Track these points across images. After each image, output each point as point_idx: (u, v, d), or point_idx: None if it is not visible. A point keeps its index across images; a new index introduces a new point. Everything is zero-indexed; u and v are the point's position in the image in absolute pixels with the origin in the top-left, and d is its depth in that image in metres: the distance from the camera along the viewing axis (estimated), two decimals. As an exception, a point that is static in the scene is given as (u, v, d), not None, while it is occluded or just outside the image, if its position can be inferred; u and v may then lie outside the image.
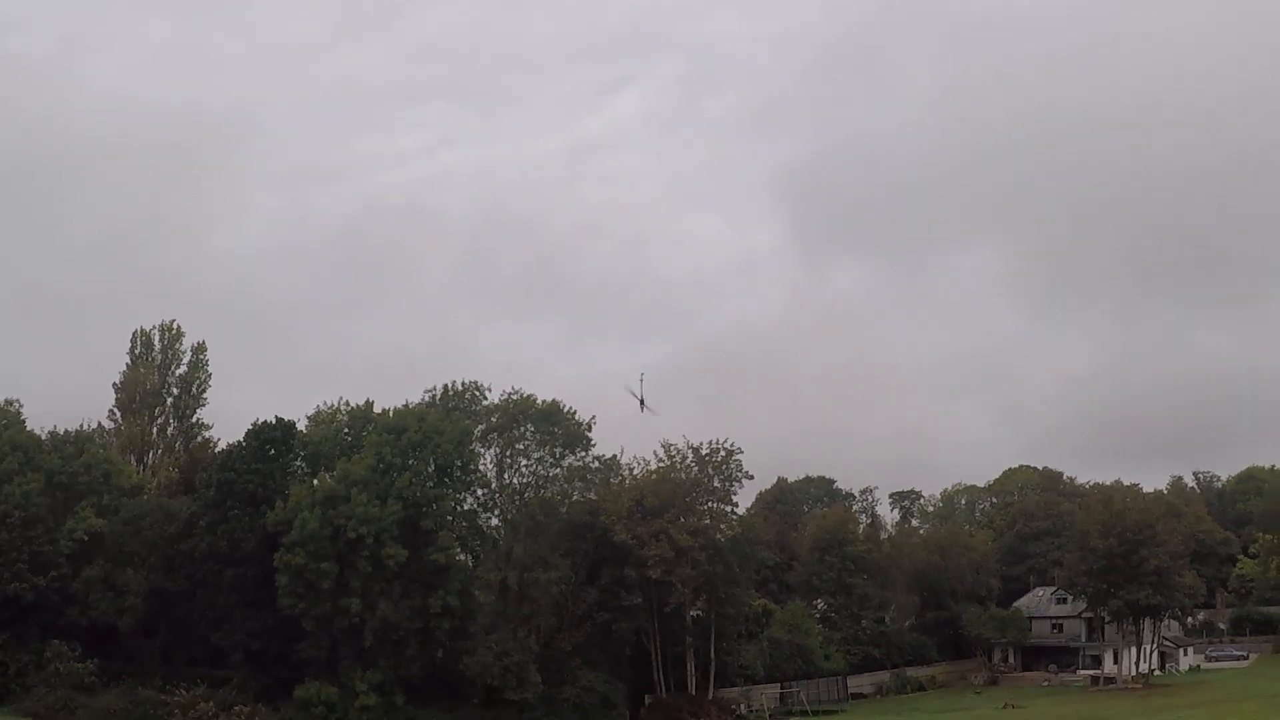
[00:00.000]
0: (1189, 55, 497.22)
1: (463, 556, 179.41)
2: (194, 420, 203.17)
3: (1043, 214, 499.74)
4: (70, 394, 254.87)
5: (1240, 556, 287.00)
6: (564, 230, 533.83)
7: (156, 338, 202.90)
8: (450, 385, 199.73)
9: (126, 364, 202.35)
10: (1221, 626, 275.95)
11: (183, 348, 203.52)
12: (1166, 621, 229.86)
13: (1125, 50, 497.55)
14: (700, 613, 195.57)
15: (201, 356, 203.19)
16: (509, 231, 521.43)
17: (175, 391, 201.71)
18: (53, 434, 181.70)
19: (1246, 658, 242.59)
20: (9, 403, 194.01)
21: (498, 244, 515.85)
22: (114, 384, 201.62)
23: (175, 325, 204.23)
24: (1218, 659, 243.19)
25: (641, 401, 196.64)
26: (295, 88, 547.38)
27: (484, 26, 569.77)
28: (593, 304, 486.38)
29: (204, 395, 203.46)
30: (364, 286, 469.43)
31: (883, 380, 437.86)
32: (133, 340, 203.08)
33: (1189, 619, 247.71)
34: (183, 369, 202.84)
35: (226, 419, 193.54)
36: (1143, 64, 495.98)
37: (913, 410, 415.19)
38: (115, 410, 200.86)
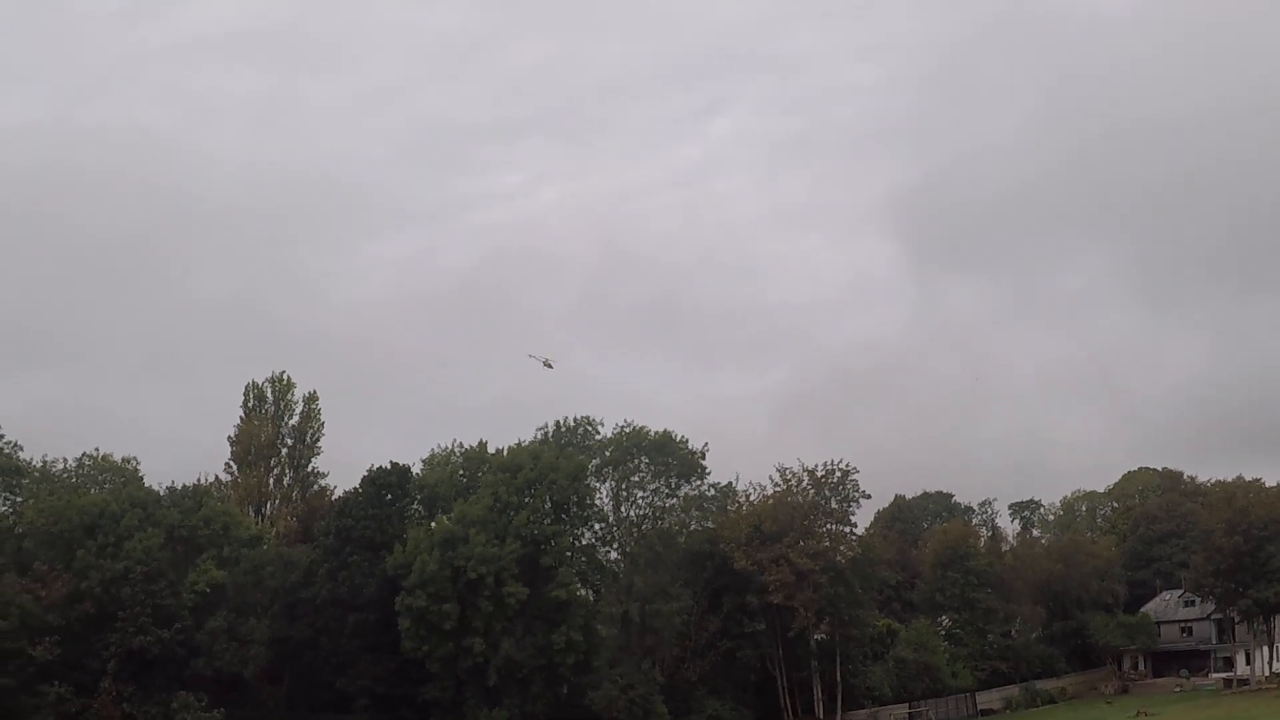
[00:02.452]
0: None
1: (583, 591, 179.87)
2: (309, 469, 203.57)
3: (1147, 213, 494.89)
4: (195, 450, 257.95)
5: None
6: (674, 261, 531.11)
7: (269, 390, 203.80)
8: (562, 421, 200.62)
9: (240, 417, 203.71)
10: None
11: (294, 398, 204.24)
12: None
13: (1221, 41, 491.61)
14: (824, 636, 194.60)
15: (313, 406, 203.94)
16: (618, 266, 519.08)
17: (289, 442, 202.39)
18: (171, 489, 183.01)
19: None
20: (126, 460, 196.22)
21: (607, 279, 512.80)
22: (229, 437, 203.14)
23: (285, 376, 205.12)
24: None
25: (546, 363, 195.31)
26: (390, 133, 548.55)
27: (569, 58, 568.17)
28: (707, 332, 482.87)
29: (318, 444, 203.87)
30: (479, 329, 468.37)
31: (999, 391, 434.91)
32: (245, 393, 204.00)
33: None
34: (295, 419, 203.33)
35: (347, 468, 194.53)
36: (1238, 53, 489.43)
37: (1029, 420, 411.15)
38: (231, 463, 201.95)
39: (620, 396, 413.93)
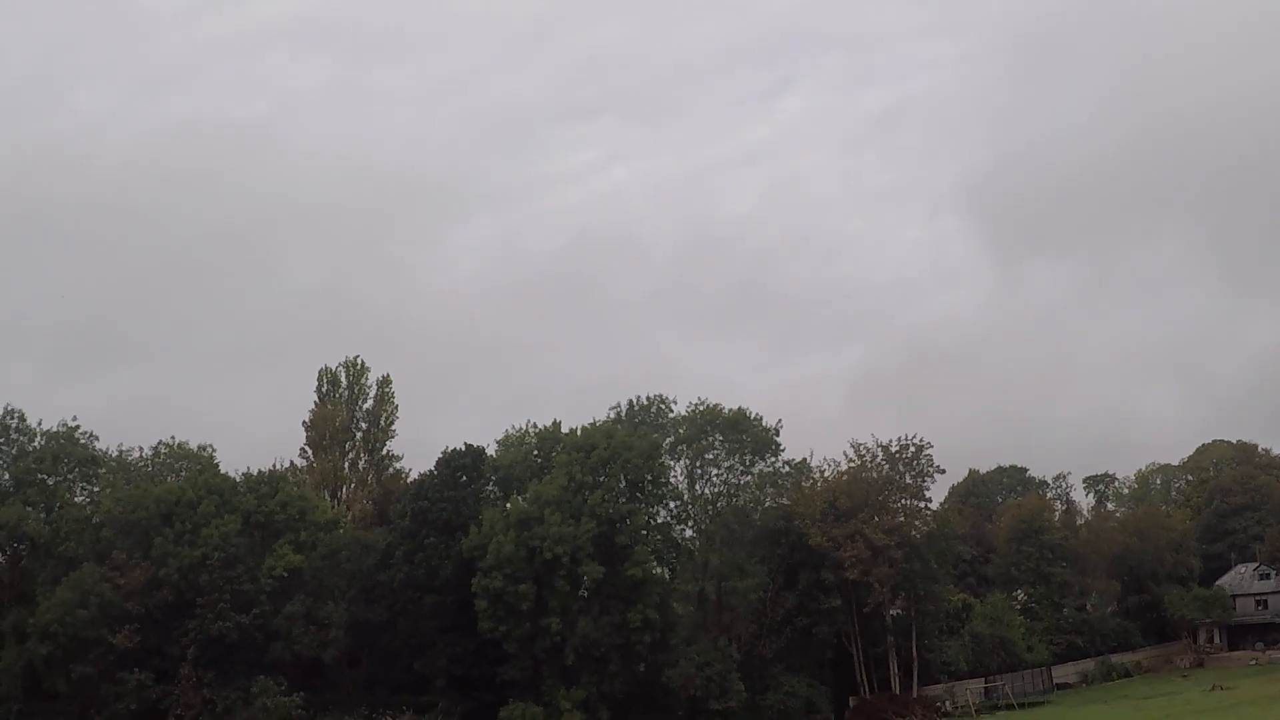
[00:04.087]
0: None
1: (659, 570, 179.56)
2: (384, 453, 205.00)
3: (1224, 190, 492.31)
4: (283, 438, 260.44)
5: None
6: (754, 242, 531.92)
7: (343, 375, 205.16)
8: (635, 400, 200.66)
9: (315, 402, 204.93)
10: None
11: (368, 382, 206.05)
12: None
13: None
14: (900, 611, 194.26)
15: (387, 390, 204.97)
16: (700, 248, 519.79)
17: (364, 426, 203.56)
18: (247, 475, 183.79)
19: None
20: (202, 448, 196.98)
21: (690, 261, 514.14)
22: (304, 422, 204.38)
23: (360, 361, 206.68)
24: None
25: None
26: (466, 120, 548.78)
27: (643, 39, 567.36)
28: (788, 312, 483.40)
29: (392, 427, 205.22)
30: (564, 313, 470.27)
31: (1076, 367, 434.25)
32: (319, 378, 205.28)
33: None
34: (369, 403, 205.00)
35: (431, 452, 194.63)
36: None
37: (1107, 396, 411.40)
38: (306, 448, 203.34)
39: (703, 378, 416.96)
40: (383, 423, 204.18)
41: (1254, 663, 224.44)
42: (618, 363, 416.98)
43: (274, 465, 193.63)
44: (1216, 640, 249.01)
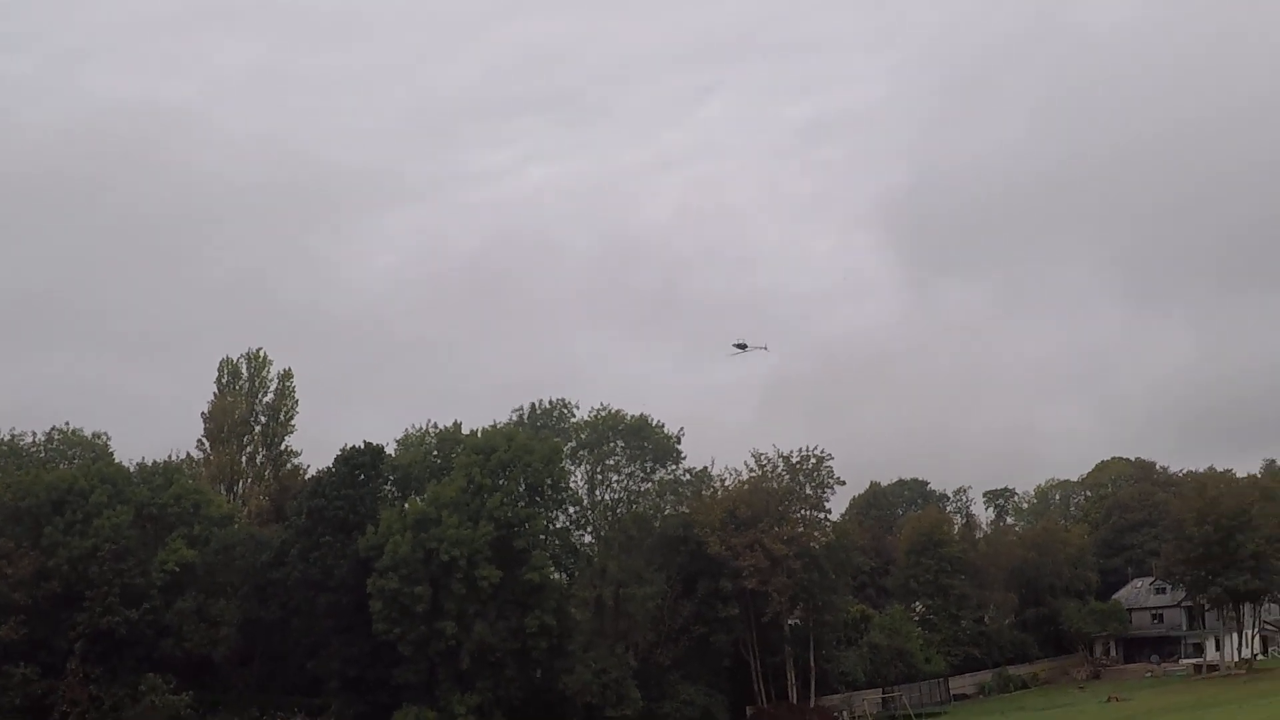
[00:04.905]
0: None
1: (557, 575, 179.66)
2: (283, 448, 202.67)
3: (1137, 216, 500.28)
4: (188, 427, 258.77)
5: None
6: (672, 248, 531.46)
7: (244, 366, 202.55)
8: (538, 404, 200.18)
9: (214, 393, 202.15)
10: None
11: (270, 375, 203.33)
12: (1266, 606, 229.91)
13: (1201, 63, 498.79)
14: (798, 621, 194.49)
15: (288, 384, 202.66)
16: (619, 252, 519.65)
17: (263, 419, 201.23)
18: (141, 466, 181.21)
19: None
20: (96, 435, 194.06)
21: (609, 264, 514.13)
22: (202, 413, 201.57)
23: (262, 353, 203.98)
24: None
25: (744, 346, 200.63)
26: (392, 113, 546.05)
27: (568, 40, 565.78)
28: (703, 319, 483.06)
29: (291, 422, 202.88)
30: (483, 311, 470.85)
31: (982, 384, 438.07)
32: (219, 369, 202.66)
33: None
34: (270, 397, 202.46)
35: (334, 448, 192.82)
36: (1217, 74, 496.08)
37: (1016, 412, 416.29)
38: (204, 440, 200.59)
39: (619, 381, 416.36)
40: (282, 417, 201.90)
41: (1149, 675, 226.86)
42: (534, 364, 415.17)
43: (170, 456, 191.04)
44: (1113, 653, 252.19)
